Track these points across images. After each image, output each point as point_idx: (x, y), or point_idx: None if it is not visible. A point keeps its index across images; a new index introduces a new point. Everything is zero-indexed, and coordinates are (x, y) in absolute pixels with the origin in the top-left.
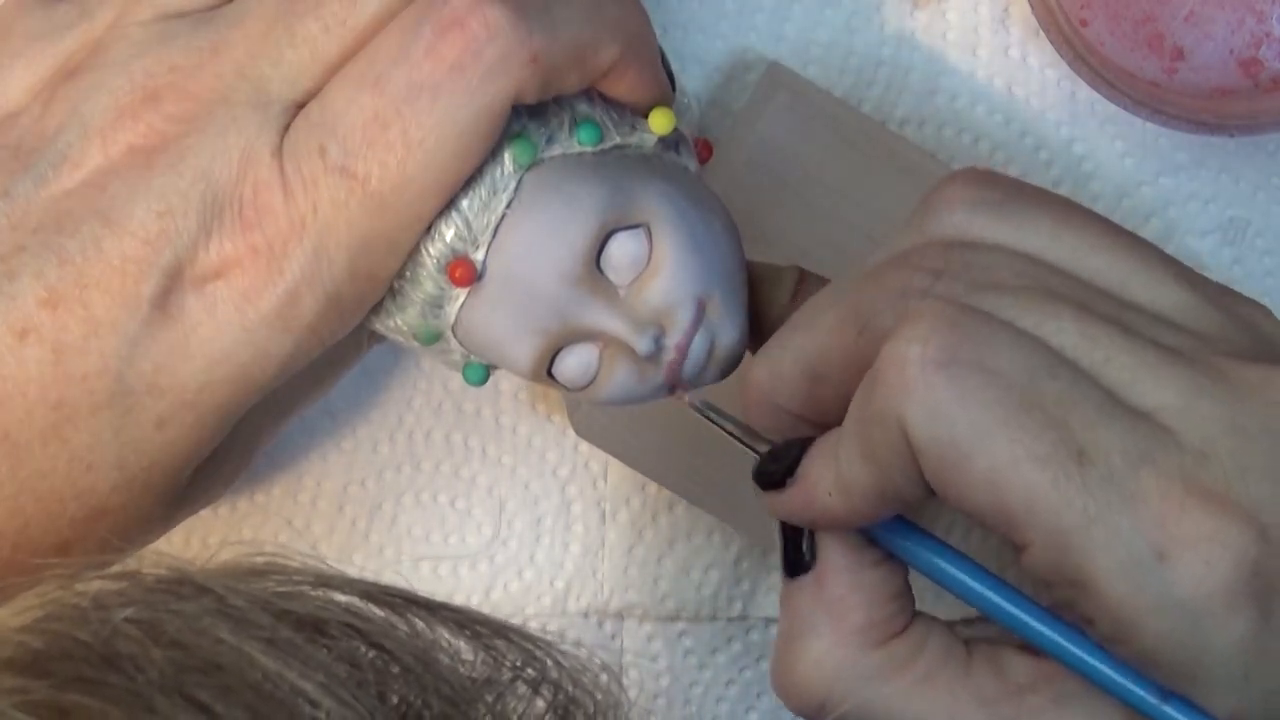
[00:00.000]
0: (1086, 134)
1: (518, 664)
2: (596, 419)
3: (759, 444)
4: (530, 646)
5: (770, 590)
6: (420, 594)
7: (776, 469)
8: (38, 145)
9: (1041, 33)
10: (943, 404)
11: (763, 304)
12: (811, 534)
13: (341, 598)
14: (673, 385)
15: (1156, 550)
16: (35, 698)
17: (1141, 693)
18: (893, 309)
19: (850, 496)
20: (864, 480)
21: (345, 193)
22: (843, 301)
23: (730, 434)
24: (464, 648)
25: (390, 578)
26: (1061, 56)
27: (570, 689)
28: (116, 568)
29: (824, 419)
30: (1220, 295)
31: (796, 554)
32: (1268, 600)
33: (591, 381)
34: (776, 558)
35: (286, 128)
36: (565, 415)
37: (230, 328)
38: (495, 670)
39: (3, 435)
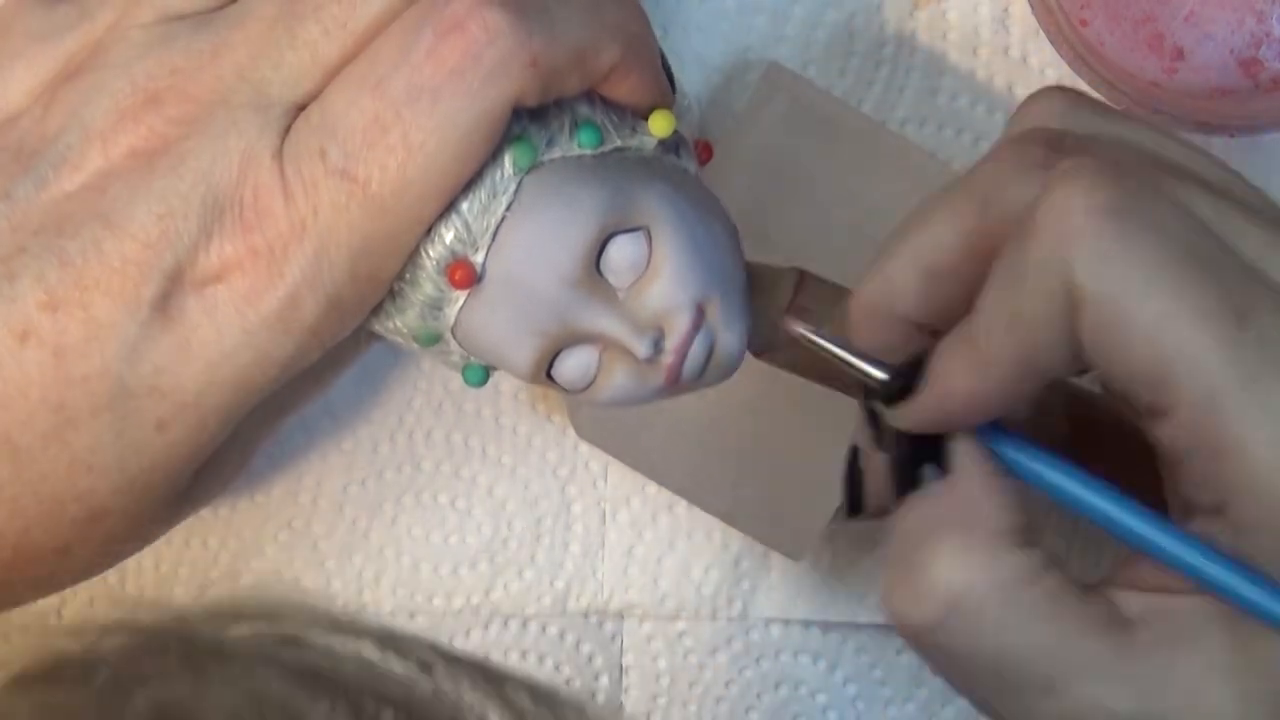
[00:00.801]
0: None
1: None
2: (598, 420)
3: (872, 366)
4: (557, 707)
5: (770, 590)
6: (438, 644)
7: (903, 378)
8: (38, 147)
9: (1041, 33)
10: (1112, 251)
11: (761, 305)
12: (941, 450)
13: (334, 642)
14: (671, 388)
15: None
16: None
17: (1255, 595)
18: (1020, 182)
19: (989, 375)
20: (1006, 350)
21: (345, 195)
22: (954, 193)
23: (840, 359)
24: (491, 711)
25: (391, 578)
26: (1061, 56)
27: None
28: (116, 615)
29: (942, 318)
30: None
31: (912, 471)
32: None
33: (590, 384)
34: (778, 557)
35: (287, 130)
36: (565, 415)
37: (231, 330)
38: None
39: (4, 438)
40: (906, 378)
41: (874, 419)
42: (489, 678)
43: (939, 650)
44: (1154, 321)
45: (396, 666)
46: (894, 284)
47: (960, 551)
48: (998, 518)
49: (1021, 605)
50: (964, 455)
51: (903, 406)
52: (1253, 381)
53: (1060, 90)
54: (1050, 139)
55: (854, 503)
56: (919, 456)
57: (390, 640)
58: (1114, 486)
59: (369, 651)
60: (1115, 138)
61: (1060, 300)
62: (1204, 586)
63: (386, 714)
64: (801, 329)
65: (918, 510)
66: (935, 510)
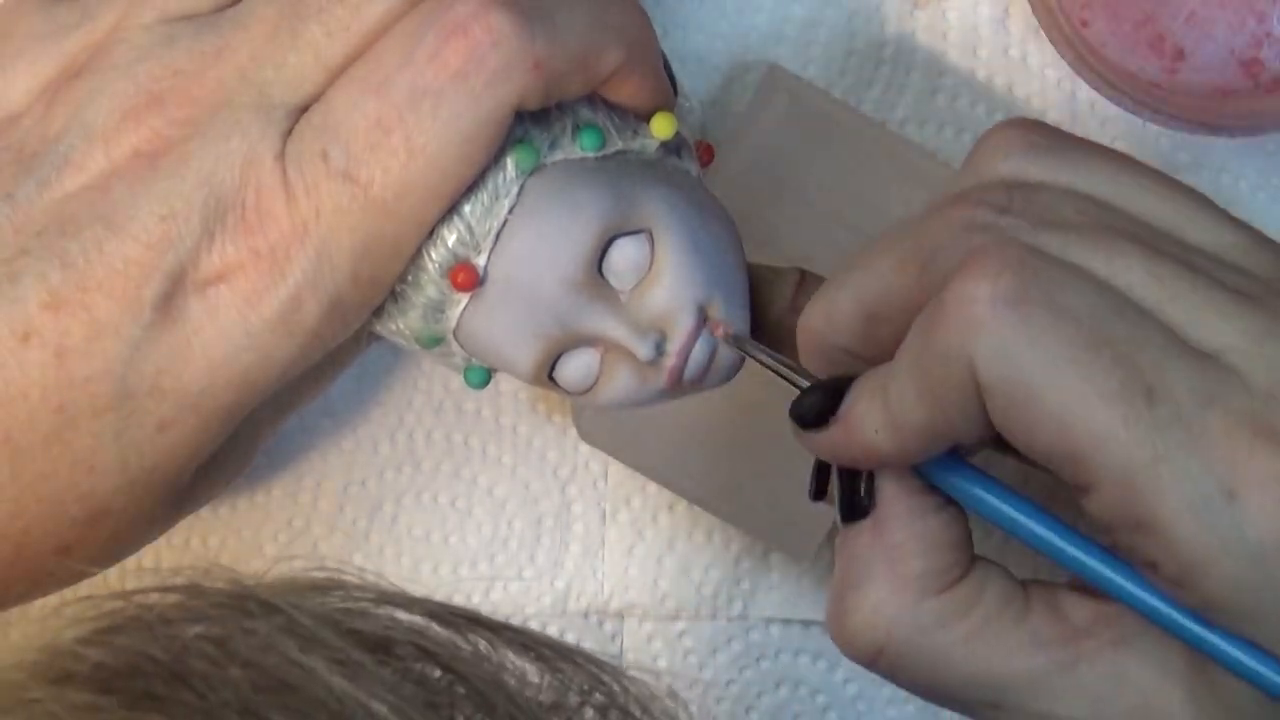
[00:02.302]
0: (1087, 134)
1: (585, 688)
2: (602, 423)
3: (801, 379)
4: (597, 670)
5: (770, 590)
6: (485, 615)
7: (816, 406)
8: (40, 148)
9: (1042, 33)
10: (1012, 342)
11: (762, 305)
12: (871, 477)
13: (405, 617)
14: (673, 390)
15: (1225, 489)
16: (108, 717)
17: (1196, 626)
18: (958, 246)
19: (900, 434)
20: (917, 418)
21: (347, 198)
22: (904, 241)
23: (770, 368)
24: (530, 670)
25: (390, 577)
26: (1062, 57)
27: (639, 715)
28: (179, 579)
29: (881, 358)
30: (1270, 240)
31: (854, 498)
32: None
33: (592, 386)
34: (778, 557)
35: (289, 132)
36: (566, 415)
37: (233, 331)
38: (562, 694)
39: (5, 438)
40: (828, 401)
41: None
42: (527, 641)
43: (886, 678)
44: (1060, 409)
45: (443, 633)
46: (835, 318)
47: (881, 599)
48: (917, 563)
49: (945, 645)
50: (888, 488)
51: (814, 435)
52: (1163, 460)
53: (1018, 128)
54: (999, 201)
55: (819, 488)
56: (855, 475)
57: (436, 611)
58: (1053, 514)
59: (417, 621)
60: (1067, 187)
61: (968, 386)
62: (1147, 617)
63: (438, 675)
64: (725, 335)
65: (849, 546)
66: (862, 548)
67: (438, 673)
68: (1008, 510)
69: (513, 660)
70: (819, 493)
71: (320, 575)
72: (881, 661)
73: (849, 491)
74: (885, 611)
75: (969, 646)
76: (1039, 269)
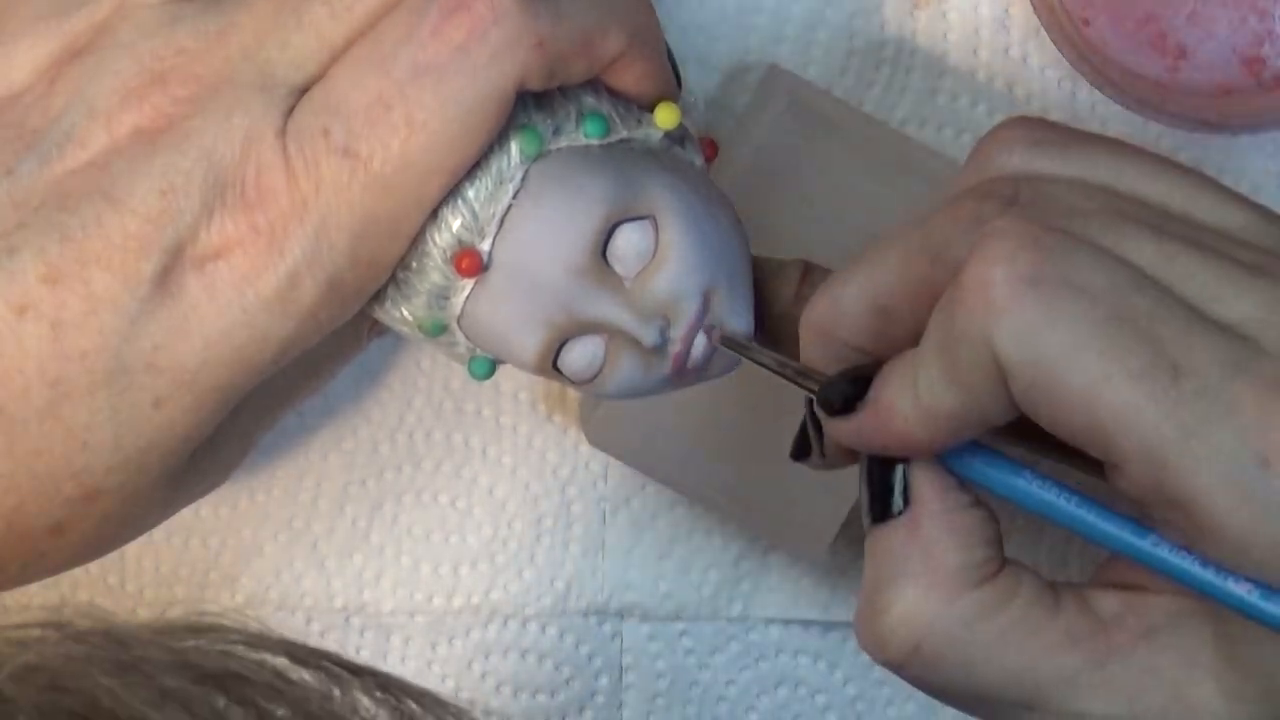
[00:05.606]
0: None
1: None
2: (610, 427)
3: (804, 379)
4: (451, 716)
5: (770, 590)
6: (345, 658)
7: (845, 392)
8: (42, 125)
9: (1043, 33)
10: (1032, 323)
11: (767, 296)
12: (905, 476)
13: (260, 657)
14: (678, 377)
15: (1259, 458)
16: None
17: (1242, 592)
18: (969, 237)
19: (931, 420)
20: (948, 403)
21: (347, 174)
22: (912, 235)
23: (771, 368)
24: (382, 715)
25: (391, 577)
26: (1064, 56)
27: None
28: (44, 615)
29: (887, 352)
30: (1278, 215)
31: (887, 497)
32: None
33: (597, 374)
34: (778, 558)
35: (292, 110)
36: (566, 415)
37: (229, 308)
38: None
39: None
40: (857, 386)
41: (819, 425)
42: (384, 685)
43: (914, 681)
44: (1084, 388)
45: (305, 676)
46: (843, 313)
47: (918, 596)
48: (955, 557)
49: (983, 640)
50: (923, 485)
51: (841, 422)
52: (1192, 435)
53: (1020, 125)
54: (1006, 194)
55: (801, 447)
56: (887, 473)
57: (295, 653)
58: (1083, 493)
59: (266, 659)
60: (1073, 177)
61: (991, 369)
62: (1190, 587)
63: (283, 712)
64: (720, 339)
65: (881, 545)
66: (897, 546)
67: (284, 712)
68: (1044, 494)
69: (365, 705)
70: (800, 453)
71: (197, 619)
72: (915, 660)
73: (882, 490)
74: (923, 607)
75: (1006, 642)
76: (1054, 247)
